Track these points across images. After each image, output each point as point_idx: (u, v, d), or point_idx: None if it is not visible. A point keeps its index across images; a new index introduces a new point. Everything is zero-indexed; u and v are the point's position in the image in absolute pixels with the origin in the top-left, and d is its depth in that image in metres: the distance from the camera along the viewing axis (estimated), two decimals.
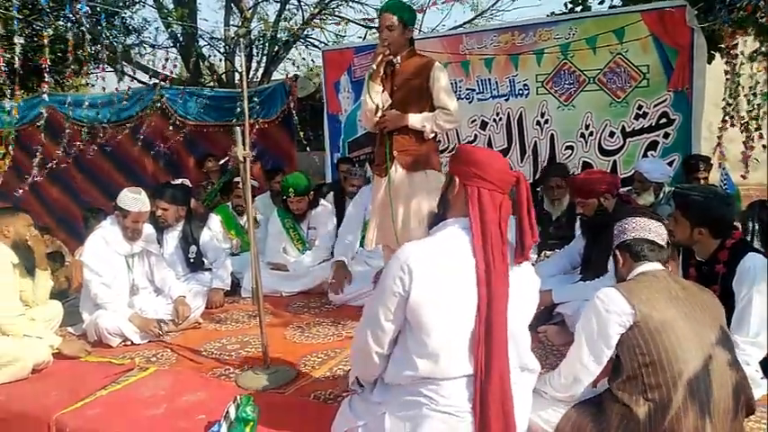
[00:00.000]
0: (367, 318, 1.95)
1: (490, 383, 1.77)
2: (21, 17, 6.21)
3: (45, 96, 6.08)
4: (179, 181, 5.41)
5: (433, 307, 1.78)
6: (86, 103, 6.36)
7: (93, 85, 6.84)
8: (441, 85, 3.34)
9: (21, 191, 5.95)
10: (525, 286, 1.93)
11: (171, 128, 6.65)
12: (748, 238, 3.33)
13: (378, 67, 3.31)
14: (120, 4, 8.92)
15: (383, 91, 3.39)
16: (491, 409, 1.76)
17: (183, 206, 4.61)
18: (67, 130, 6.28)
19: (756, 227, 3.75)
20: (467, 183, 1.90)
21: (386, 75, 3.39)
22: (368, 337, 1.91)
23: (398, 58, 3.35)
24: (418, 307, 1.78)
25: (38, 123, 6.18)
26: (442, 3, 6.47)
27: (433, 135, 3.40)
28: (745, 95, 4.90)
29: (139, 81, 8.89)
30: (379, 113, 3.38)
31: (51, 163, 6.17)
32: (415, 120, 3.34)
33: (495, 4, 10.99)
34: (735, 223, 2.81)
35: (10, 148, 5.91)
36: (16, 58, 5.54)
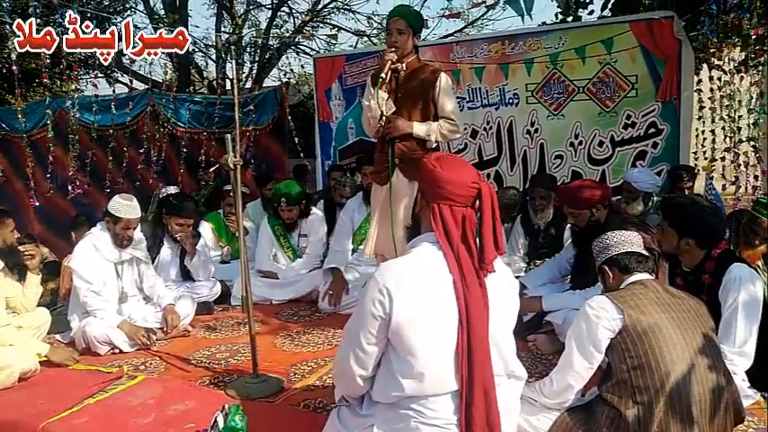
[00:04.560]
0: (348, 342, 1.90)
1: (474, 397, 1.76)
2: (10, 21, 6.19)
3: (47, 101, 6.08)
4: (172, 189, 5.40)
5: (416, 328, 1.75)
6: (95, 107, 6.35)
7: (82, 91, 6.83)
8: (446, 95, 3.34)
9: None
10: (504, 292, 1.90)
11: (163, 134, 6.63)
12: None
13: (386, 75, 3.27)
14: (111, 9, 8.92)
15: (388, 98, 3.37)
16: (476, 423, 1.76)
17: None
18: (71, 134, 6.25)
19: (732, 235, 3.80)
20: (429, 200, 1.88)
21: (389, 80, 3.36)
22: (351, 361, 1.87)
23: (404, 64, 3.35)
24: (401, 329, 1.76)
25: (48, 126, 6.14)
26: (441, 17, 6.49)
27: (436, 144, 3.40)
28: (741, 111, 4.96)
29: (129, 86, 8.87)
30: (383, 120, 3.35)
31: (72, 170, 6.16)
32: (419, 128, 3.33)
33: (485, 13, 11.08)
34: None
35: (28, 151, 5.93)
36: (13, 64, 5.53)
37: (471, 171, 1.91)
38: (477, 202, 1.86)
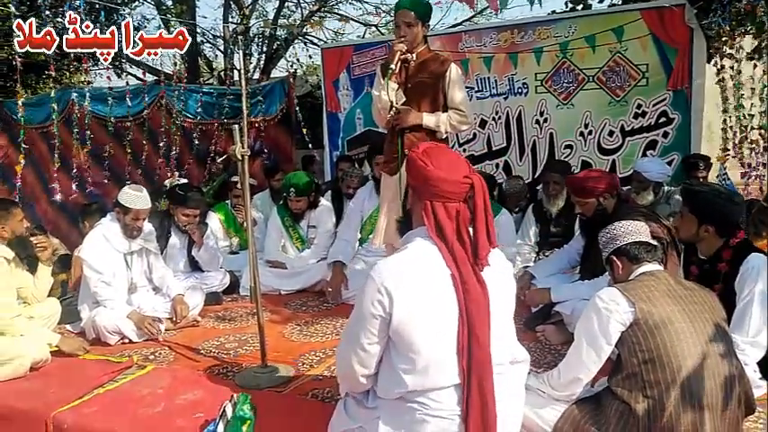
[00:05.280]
0: (348, 342, 1.89)
1: (471, 390, 1.76)
2: (18, 14, 6.20)
3: (52, 93, 6.09)
4: (183, 180, 5.41)
5: (417, 324, 1.75)
6: (109, 99, 6.35)
7: (90, 83, 6.84)
8: (456, 86, 3.32)
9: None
10: (499, 280, 1.88)
11: (173, 125, 6.63)
12: None
13: (396, 66, 3.23)
14: (119, 1, 8.92)
15: (398, 89, 3.34)
16: (471, 416, 1.76)
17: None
18: (77, 125, 6.25)
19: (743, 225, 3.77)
20: (420, 197, 1.86)
21: (399, 71, 3.33)
22: (352, 361, 1.86)
23: (414, 54, 3.32)
24: (402, 327, 1.75)
25: (59, 117, 6.13)
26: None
27: (446, 135, 3.39)
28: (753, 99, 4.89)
29: (137, 78, 8.90)
30: (393, 111, 3.32)
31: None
32: (429, 119, 3.31)
33: (486, 8, 10.95)
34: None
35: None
36: (17, 57, 5.54)
37: (462, 164, 1.88)
38: (470, 192, 1.83)
